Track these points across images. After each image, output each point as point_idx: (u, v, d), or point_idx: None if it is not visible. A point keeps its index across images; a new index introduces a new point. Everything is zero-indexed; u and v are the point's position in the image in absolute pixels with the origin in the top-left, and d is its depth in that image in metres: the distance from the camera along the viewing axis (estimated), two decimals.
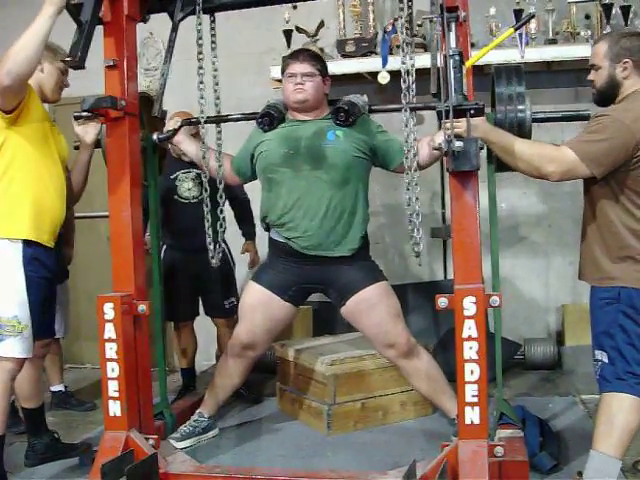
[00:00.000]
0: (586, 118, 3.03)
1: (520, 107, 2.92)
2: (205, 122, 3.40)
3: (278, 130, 3.42)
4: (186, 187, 4.14)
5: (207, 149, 3.47)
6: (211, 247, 3.47)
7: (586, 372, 4.05)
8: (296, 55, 3.46)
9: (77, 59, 2.75)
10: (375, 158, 3.42)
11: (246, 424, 3.88)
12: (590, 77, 2.81)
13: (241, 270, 4.37)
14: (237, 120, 3.61)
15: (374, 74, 4.63)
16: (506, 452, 2.86)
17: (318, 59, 3.46)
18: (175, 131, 3.55)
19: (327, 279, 3.41)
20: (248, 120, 3.57)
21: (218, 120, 3.54)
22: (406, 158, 2.97)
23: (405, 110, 2.98)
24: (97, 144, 3.40)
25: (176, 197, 4.18)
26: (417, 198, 2.97)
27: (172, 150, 4.19)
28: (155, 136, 3.50)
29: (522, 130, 2.91)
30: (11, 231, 2.95)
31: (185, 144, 3.62)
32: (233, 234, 4.30)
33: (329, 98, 3.50)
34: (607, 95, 2.76)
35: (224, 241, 4.20)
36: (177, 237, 4.23)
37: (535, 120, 3.01)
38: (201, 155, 3.47)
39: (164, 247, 4.27)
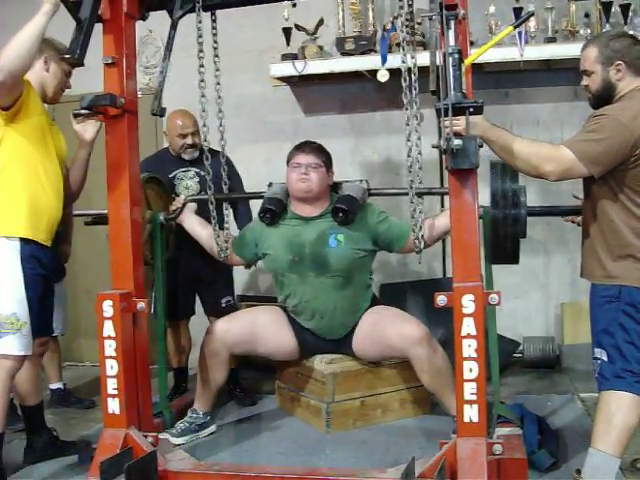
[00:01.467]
0: (578, 212, 3.09)
1: (515, 206, 3.05)
2: (212, 201, 3.48)
3: (281, 229, 3.57)
4: (184, 186, 4.14)
5: (215, 230, 3.57)
6: (216, 242, 3.57)
7: (585, 370, 4.07)
8: (302, 147, 3.60)
9: (76, 56, 2.75)
10: (378, 245, 3.57)
11: (245, 422, 3.89)
12: (584, 83, 2.81)
13: (239, 269, 4.36)
14: (247, 198, 4.03)
15: (373, 72, 4.62)
16: (505, 450, 2.87)
17: (323, 151, 3.60)
18: (181, 209, 3.72)
19: (336, 347, 3.71)
20: (257, 199, 3.80)
21: (224, 198, 3.64)
22: (408, 156, 3.00)
23: (411, 193, 3.07)
24: None
25: (174, 195, 4.17)
26: (417, 195, 3.03)
27: (171, 150, 4.20)
28: (162, 216, 3.64)
29: (517, 225, 3.04)
30: (8, 229, 2.95)
31: (190, 223, 3.76)
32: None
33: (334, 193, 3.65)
34: (603, 98, 2.76)
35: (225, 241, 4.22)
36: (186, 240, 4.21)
37: (531, 214, 3.16)
38: (215, 235, 3.58)
39: None
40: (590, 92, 2.80)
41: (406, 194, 3.11)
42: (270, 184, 3.75)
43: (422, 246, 3.16)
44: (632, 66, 2.70)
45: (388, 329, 3.46)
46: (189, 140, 4.11)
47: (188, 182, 4.16)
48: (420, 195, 3.17)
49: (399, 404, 3.83)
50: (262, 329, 3.61)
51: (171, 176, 4.15)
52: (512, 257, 3.15)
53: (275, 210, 3.55)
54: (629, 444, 2.68)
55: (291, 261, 3.51)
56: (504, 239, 3.13)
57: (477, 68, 3.22)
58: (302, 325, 3.66)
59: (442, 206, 4.99)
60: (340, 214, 3.44)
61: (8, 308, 2.92)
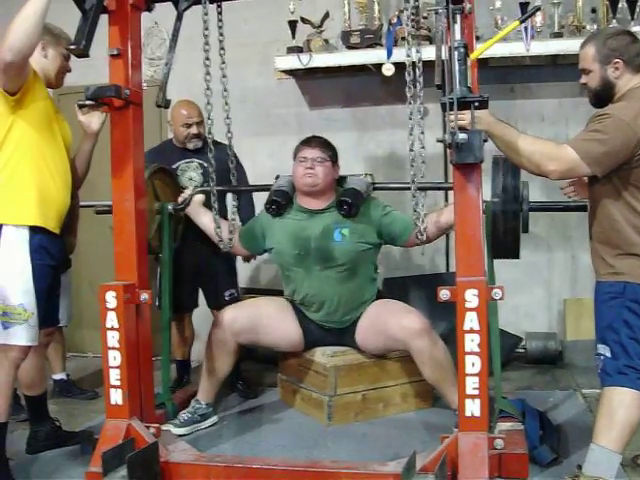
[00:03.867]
0: (582, 209, 3.08)
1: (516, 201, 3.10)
2: (214, 193, 3.49)
3: (287, 222, 3.61)
4: (187, 177, 4.13)
5: (220, 220, 3.60)
6: (217, 233, 3.59)
7: (587, 366, 4.08)
8: (309, 141, 3.64)
9: (81, 47, 2.75)
10: (382, 239, 3.61)
11: (247, 414, 3.90)
12: (582, 81, 2.80)
13: (244, 263, 4.37)
14: (252, 191, 4.02)
15: (379, 66, 4.61)
16: (506, 445, 2.88)
17: (329, 146, 3.64)
18: (189, 200, 3.76)
19: (341, 338, 3.74)
20: (263, 191, 3.82)
21: (229, 190, 3.72)
22: (411, 150, 2.99)
23: (413, 187, 3.05)
24: None
25: (182, 188, 4.16)
26: (420, 189, 3.05)
27: (175, 141, 4.20)
28: (170, 206, 3.67)
29: (518, 220, 3.08)
30: (17, 217, 2.95)
31: (197, 214, 3.80)
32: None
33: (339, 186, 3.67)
34: (603, 96, 2.75)
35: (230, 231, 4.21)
36: (188, 230, 4.21)
37: (532, 210, 3.19)
38: (215, 226, 3.59)
39: None
40: (589, 90, 2.79)
41: (408, 188, 3.11)
42: (277, 176, 3.79)
43: (424, 239, 3.17)
44: (630, 64, 2.70)
45: (389, 320, 3.49)
46: (194, 130, 4.10)
47: (191, 173, 4.15)
48: (423, 189, 3.17)
49: (401, 398, 3.84)
50: (267, 319, 3.63)
51: (174, 167, 4.14)
52: (513, 252, 3.15)
53: (281, 202, 3.59)
54: (631, 440, 2.68)
55: (297, 255, 3.56)
56: (504, 234, 3.14)
57: (482, 63, 3.21)
58: (308, 316, 3.69)
59: (446, 200, 4.99)
60: (345, 207, 3.48)
61: (16, 299, 2.93)
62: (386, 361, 3.80)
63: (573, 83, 4.75)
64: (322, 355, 3.77)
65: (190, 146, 4.13)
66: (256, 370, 4.65)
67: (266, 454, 3.25)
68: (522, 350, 4.81)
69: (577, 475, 2.75)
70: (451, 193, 2.87)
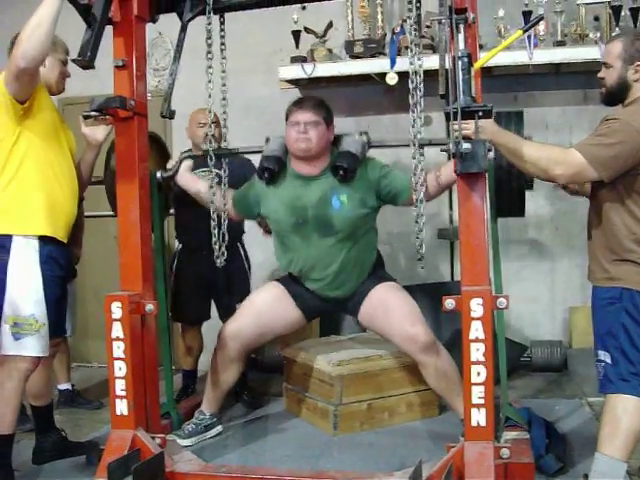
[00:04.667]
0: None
1: None
2: (211, 155, 3.44)
3: (282, 189, 3.47)
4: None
5: (213, 185, 3.50)
6: (216, 247, 3.51)
7: (593, 375, 4.02)
8: (300, 103, 3.45)
9: (87, 59, 2.76)
10: (381, 200, 3.48)
11: (253, 424, 3.89)
12: (600, 75, 2.80)
13: (257, 275, 4.36)
14: (244, 153, 3.75)
15: (382, 75, 4.63)
16: (512, 454, 2.87)
17: (323, 107, 3.45)
18: (178, 167, 3.58)
19: (341, 305, 3.62)
20: (256, 153, 3.65)
21: (224, 153, 3.57)
22: (413, 158, 3.00)
23: (414, 144, 3.01)
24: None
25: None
26: (422, 200, 3.01)
27: (194, 149, 4.14)
28: (159, 174, 3.51)
29: (523, 176, 3.03)
30: (27, 228, 2.96)
31: (186, 180, 3.64)
32: (252, 239, 4.31)
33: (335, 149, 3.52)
34: (616, 95, 2.75)
35: (242, 245, 4.18)
36: (191, 238, 4.21)
37: None
38: (209, 193, 3.51)
39: (180, 247, 4.28)
40: (604, 86, 2.79)
41: (406, 145, 3.06)
42: (267, 139, 3.60)
43: (422, 196, 3.03)
44: None
45: (394, 326, 3.40)
46: (209, 130, 4.03)
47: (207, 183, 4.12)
48: (422, 146, 3.06)
49: (406, 407, 3.83)
50: (267, 317, 3.55)
51: None
52: (518, 209, 3.09)
53: (274, 169, 3.44)
54: (637, 448, 2.68)
55: (294, 224, 3.43)
56: (509, 189, 3.11)
57: (486, 72, 3.22)
58: (307, 287, 3.57)
59: (450, 208, 5.00)
60: (340, 172, 3.35)
61: (27, 309, 2.94)
62: (392, 370, 3.80)
63: (576, 91, 4.82)
64: (327, 364, 3.76)
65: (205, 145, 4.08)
66: (261, 380, 4.65)
67: (272, 464, 3.24)
68: (527, 358, 4.81)
69: None
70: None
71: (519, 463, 2.89)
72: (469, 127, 2.64)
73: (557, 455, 3.11)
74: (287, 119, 3.43)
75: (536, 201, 4.96)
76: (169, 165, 3.67)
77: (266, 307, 3.57)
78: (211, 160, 3.44)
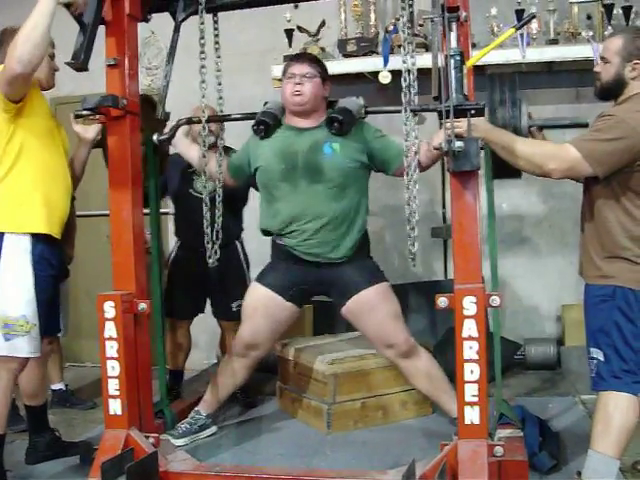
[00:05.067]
0: (584, 125, 3.03)
1: (514, 116, 2.96)
2: (206, 121, 3.40)
3: (275, 140, 3.42)
4: (203, 181, 4.06)
5: (207, 151, 3.47)
6: (209, 246, 3.50)
7: (586, 372, 4.04)
8: (297, 57, 3.50)
9: (80, 61, 2.75)
10: (373, 164, 3.42)
11: (246, 423, 3.90)
12: (597, 69, 2.80)
13: (256, 272, 4.34)
14: (238, 120, 3.62)
15: (375, 74, 4.63)
16: (506, 452, 2.86)
17: (319, 62, 3.46)
18: (174, 131, 3.54)
19: (327, 281, 3.43)
20: (249, 119, 3.55)
21: (219, 119, 3.54)
22: (406, 157, 2.98)
23: (406, 110, 2.98)
24: (97, 144, 3.40)
25: (191, 191, 4.12)
26: (414, 197, 2.97)
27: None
28: (155, 137, 3.49)
29: (518, 134, 2.92)
30: (21, 225, 2.95)
31: (184, 147, 3.65)
32: (251, 236, 4.27)
33: (330, 99, 3.49)
34: (610, 91, 2.76)
35: (240, 242, 4.16)
36: (189, 233, 4.16)
37: (532, 126, 3.07)
38: (201, 157, 3.48)
39: (179, 243, 4.29)
40: (599, 80, 2.79)
41: (399, 111, 3.02)
42: (266, 103, 3.59)
43: (414, 166, 2.97)
44: None
45: (376, 331, 3.38)
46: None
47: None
48: (415, 112, 3.03)
49: (400, 405, 3.83)
50: (265, 316, 3.47)
51: (190, 170, 4.08)
52: (515, 171, 3.07)
53: (268, 122, 3.41)
54: (629, 445, 2.69)
55: (283, 170, 3.35)
56: None
57: (479, 70, 3.21)
58: (289, 253, 3.42)
59: (443, 206, 5.01)
60: (335, 124, 3.31)
61: (17, 310, 2.93)
62: (385, 368, 3.79)
63: (569, 89, 4.82)
64: (321, 363, 3.77)
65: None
66: (255, 379, 4.62)
67: (265, 463, 3.24)
68: (521, 356, 4.82)
69: None
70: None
71: (513, 461, 2.88)
72: (461, 125, 2.63)
73: (550, 453, 3.12)
74: (284, 74, 3.43)
75: (529, 198, 4.98)
76: (166, 129, 3.61)
77: (261, 314, 3.48)
78: (205, 130, 3.43)
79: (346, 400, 3.71)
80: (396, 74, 4.25)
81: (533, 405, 3.73)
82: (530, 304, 5.01)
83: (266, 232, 3.51)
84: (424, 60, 3.17)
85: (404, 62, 2.96)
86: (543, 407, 3.88)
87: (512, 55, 4.46)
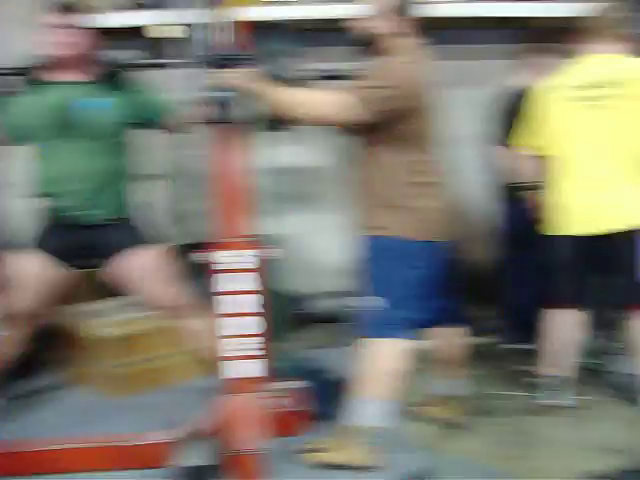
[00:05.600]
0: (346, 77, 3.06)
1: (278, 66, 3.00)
2: None
3: (35, 97, 3.20)
4: None
5: None
6: None
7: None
8: (62, 6, 3.20)
9: None
10: (141, 118, 3.31)
11: (29, 396, 3.74)
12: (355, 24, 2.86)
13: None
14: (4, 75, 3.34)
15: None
16: (284, 403, 2.91)
17: (85, 13, 3.26)
18: None
19: (96, 243, 3.29)
20: (16, 75, 3.28)
21: None
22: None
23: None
24: None
25: None
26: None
27: None
28: None
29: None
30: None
31: None
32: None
33: (99, 58, 3.30)
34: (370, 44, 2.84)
35: None
36: None
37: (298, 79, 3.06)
38: None
39: None
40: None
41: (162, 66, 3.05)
42: (32, 56, 3.29)
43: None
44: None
45: (147, 291, 3.31)
46: None
47: None
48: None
49: (183, 366, 3.82)
50: (43, 285, 3.28)
51: None
52: (286, 123, 3.02)
53: (32, 76, 3.22)
54: (400, 388, 2.81)
55: (47, 126, 3.17)
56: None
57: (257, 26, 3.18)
58: (51, 215, 3.27)
59: None
60: (104, 78, 3.23)
61: None
62: (166, 330, 3.68)
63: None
64: (102, 327, 3.71)
65: None
66: (35, 349, 4.45)
67: (49, 435, 3.14)
68: (304, 310, 4.89)
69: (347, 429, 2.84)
70: None
71: (291, 412, 2.96)
72: (228, 76, 2.60)
73: (330, 403, 3.15)
74: (49, 26, 3.17)
75: (312, 154, 4.99)
76: None
77: (31, 279, 3.26)
78: None
79: (129, 363, 3.68)
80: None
81: (318, 357, 3.86)
82: (316, 259, 5.08)
83: (36, 193, 3.31)
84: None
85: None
86: (327, 358, 3.96)
87: (297, 12, 4.44)
